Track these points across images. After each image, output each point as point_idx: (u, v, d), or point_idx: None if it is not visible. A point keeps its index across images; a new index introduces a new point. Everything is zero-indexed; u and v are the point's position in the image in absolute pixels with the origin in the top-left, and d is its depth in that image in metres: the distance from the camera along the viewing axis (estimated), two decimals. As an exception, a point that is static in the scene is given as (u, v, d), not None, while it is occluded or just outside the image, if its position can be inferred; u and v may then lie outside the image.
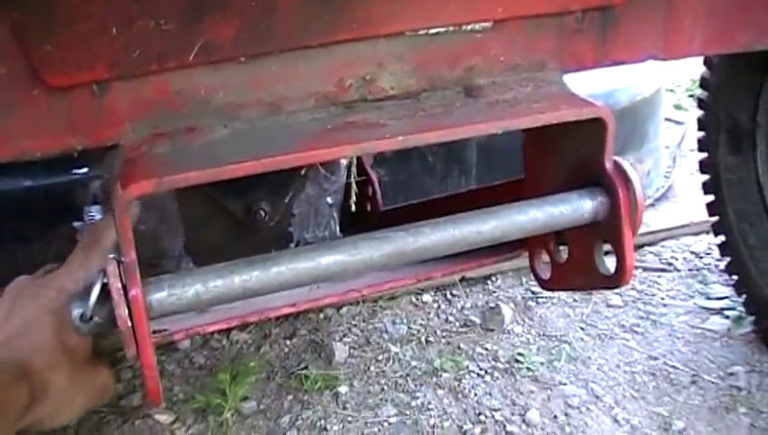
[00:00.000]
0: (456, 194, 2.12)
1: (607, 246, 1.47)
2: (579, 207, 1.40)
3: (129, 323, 1.11)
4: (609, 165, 1.40)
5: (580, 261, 1.54)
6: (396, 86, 1.33)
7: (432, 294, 2.72)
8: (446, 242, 1.31)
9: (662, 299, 2.71)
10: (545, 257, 1.65)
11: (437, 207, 1.96)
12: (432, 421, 2.16)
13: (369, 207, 2.37)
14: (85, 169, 2.32)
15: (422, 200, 2.21)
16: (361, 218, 2.38)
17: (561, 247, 1.61)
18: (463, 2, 1.30)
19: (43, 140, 1.19)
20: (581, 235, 1.49)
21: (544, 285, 1.68)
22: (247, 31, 1.19)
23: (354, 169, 2.28)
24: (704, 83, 2.41)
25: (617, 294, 2.72)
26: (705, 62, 2.37)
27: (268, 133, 1.24)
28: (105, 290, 1.14)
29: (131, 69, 1.16)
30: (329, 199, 2.32)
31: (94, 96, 1.18)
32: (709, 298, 2.70)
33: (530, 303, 2.69)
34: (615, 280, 1.46)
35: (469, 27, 1.34)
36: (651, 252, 3.01)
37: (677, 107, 4.31)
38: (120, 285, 1.11)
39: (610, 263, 1.48)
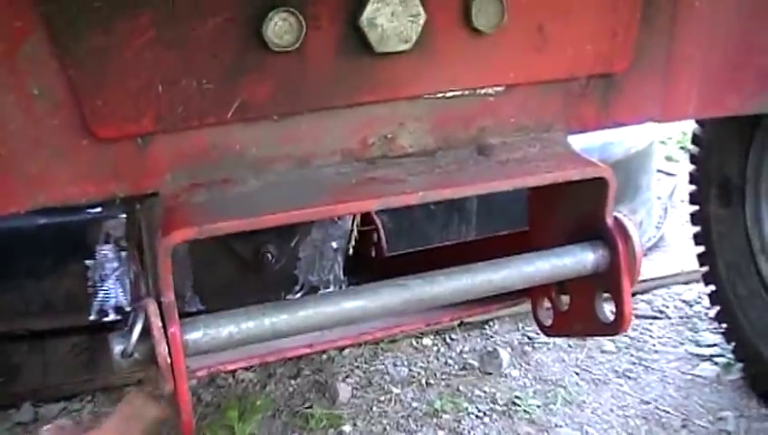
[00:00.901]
0: (460, 242, 2.21)
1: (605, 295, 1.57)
2: (581, 259, 1.50)
3: (169, 361, 1.19)
4: (610, 220, 1.50)
5: (581, 309, 1.63)
6: (414, 144, 1.43)
7: (432, 337, 2.80)
8: (459, 290, 1.40)
9: (654, 346, 2.80)
10: (547, 305, 1.73)
11: (442, 255, 2.05)
12: (433, 461, 2.24)
13: (373, 253, 2.45)
14: (98, 209, 2.39)
15: (426, 247, 2.29)
16: (366, 263, 2.45)
17: (563, 296, 1.69)
18: (477, 67, 1.41)
19: (89, 187, 1.28)
20: (582, 285, 1.58)
21: (546, 331, 1.76)
22: (281, 91, 1.29)
23: (358, 216, 2.36)
24: (696, 140, 2.51)
25: (610, 340, 2.81)
26: (698, 120, 2.48)
27: (297, 186, 1.34)
28: (145, 329, 1.22)
29: (174, 124, 1.25)
30: (334, 244, 2.39)
31: (138, 147, 1.27)
32: (699, 345, 2.79)
33: (526, 347, 2.77)
34: (614, 328, 1.56)
35: (483, 91, 1.44)
36: (643, 300, 3.10)
37: (669, 159, 4.43)
38: (160, 323, 1.20)
39: (609, 311, 1.57)
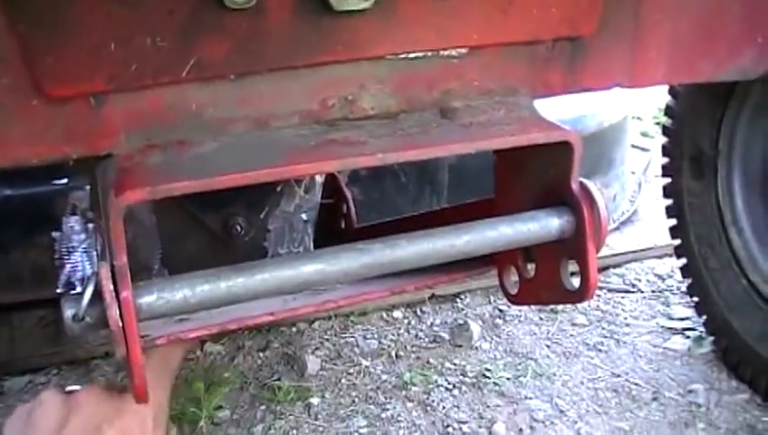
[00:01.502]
0: (428, 212, 2.18)
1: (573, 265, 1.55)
2: (546, 224, 1.48)
3: (120, 324, 1.16)
4: (575, 186, 1.48)
5: (547, 277, 1.61)
6: (376, 107, 1.40)
7: (403, 310, 2.79)
8: (420, 254, 1.38)
9: (625, 319, 2.80)
10: (514, 273, 1.72)
11: (410, 225, 2.00)
12: (401, 433, 2.22)
13: (343, 225, 2.43)
14: (65, 180, 2.36)
15: (395, 218, 2.27)
16: (335, 235, 2.43)
17: (529, 264, 1.68)
18: (441, 28, 1.38)
19: (41, 148, 1.24)
20: (548, 252, 1.56)
21: (512, 299, 1.74)
22: (238, 50, 1.26)
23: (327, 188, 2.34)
24: (668, 111, 2.50)
25: (582, 313, 2.81)
26: (670, 92, 2.47)
27: (255, 148, 1.31)
28: (97, 292, 1.19)
29: (128, 83, 1.22)
30: (303, 216, 2.37)
31: (91, 107, 1.24)
32: (671, 319, 2.79)
33: (497, 320, 2.76)
34: (579, 295, 1.54)
35: (446, 53, 1.41)
36: (616, 274, 3.10)
37: (644, 134, 4.43)
38: (111, 287, 1.17)
39: (575, 279, 1.56)
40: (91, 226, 2.48)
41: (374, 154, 1.27)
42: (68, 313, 1.21)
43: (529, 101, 1.53)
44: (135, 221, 2.17)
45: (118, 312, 1.16)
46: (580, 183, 1.49)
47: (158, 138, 1.28)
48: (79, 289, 2.36)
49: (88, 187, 2.39)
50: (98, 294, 1.18)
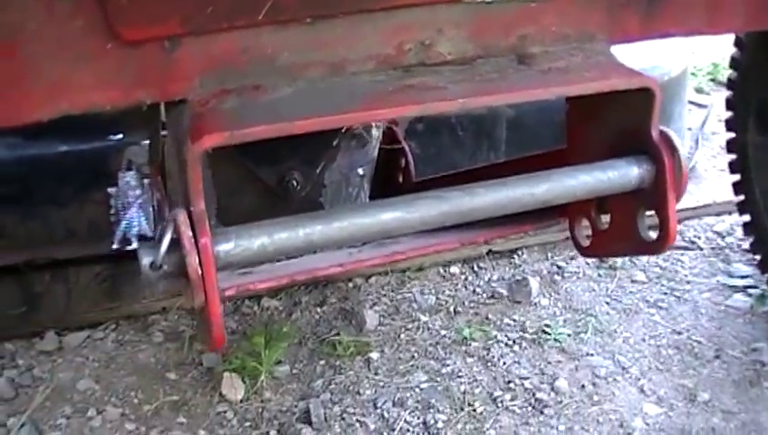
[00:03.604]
0: (492, 165, 2.15)
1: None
2: (626, 173, 1.44)
3: (200, 272, 1.15)
4: (655, 134, 1.44)
5: (622, 228, 1.57)
6: (453, 52, 1.36)
7: (459, 266, 2.76)
8: (499, 203, 1.35)
9: (686, 276, 2.75)
10: (586, 225, 1.68)
11: (472, 179, 1.99)
12: (463, 388, 2.20)
13: (401, 179, 2.40)
14: (120, 136, 2.35)
15: (457, 171, 2.23)
16: (393, 189, 2.41)
17: (602, 215, 1.64)
18: (519, -29, 1.34)
19: (114, 94, 1.22)
20: (624, 202, 1.53)
21: (583, 251, 1.72)
22: (314, -8, 1.23)
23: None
24: (733, 63, 2.44)
25: (641, 270, 2.76)
26: (736, 43, 2.40)
27: (331, 93, 1.28)
28: (174, 240, 1.17)
29: (203, 25, 1.19)
30: (360, 170, 2.34)
31: (165, 51, 1.21)
32: (732, 276, 2.74)
33: (555, 277, 2.72)
34: (657, 246, 1.51)
35: (524, -4, 1.37)
36: (674, 231, 3.05)
37: (699, 90, 4.33)
38: (190, 233, 1.15)
39: (652, 231, 1.52)
40: (146, 181, 2.47)
41: (455, 99, 1.24)
42: (145, 261, 1.19)
43: (606, 47, 1.49)
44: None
45: (197, 259, 1.14)
46: (660, 131, 1.45)
47: (232, 82, 1.26)
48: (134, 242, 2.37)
49: (145, 141, 2.39)
50: (176, 242, 1.17)
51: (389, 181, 2.42)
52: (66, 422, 2.13)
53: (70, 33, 1.16)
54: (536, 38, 1.42)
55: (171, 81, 1.23)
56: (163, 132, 2.03)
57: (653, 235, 1.52)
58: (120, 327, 2.52)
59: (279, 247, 1.22)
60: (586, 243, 1.69)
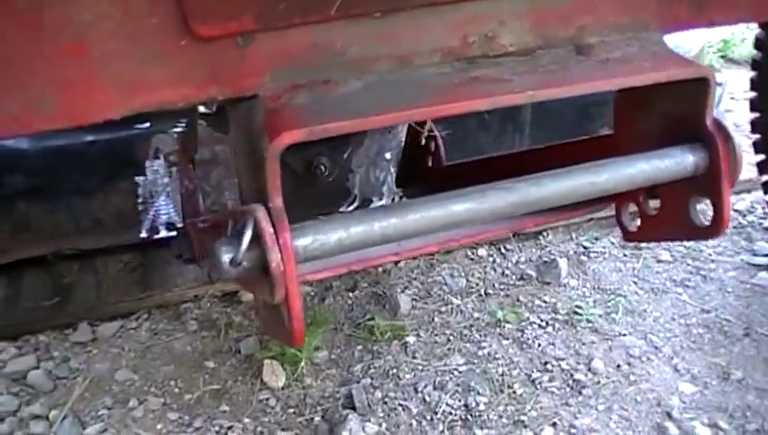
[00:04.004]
0: (528, 150, 2.17)
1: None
2: (681, 160, 1.46)
3: (282, 268, 1.16)
4: (709, 122, 1.46)
5: (673, 213, 1.59)
6: (514, 43, 1.37)
7: (487, 248, 2.79)
8: (564, 192, 1.37)
9: (710, 255, 2.78)
10: (633, 210, 1.70)
11: (502, 164, 2.01)
12: (500, 370, 2.23)
13: (431, 163, 2.41)
14: (147, 124, 2.35)
15: (488, 156, 2.24)
16: (422, 173, 2.41)
17: (651, 201, 1.66)
18: (577, -37, 1.35)
19: (187, 90, 1.23)
20: (676, 188, 1.54)
21: (629, 236, 1.73)
22: (383, -13, 1.24)
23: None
24: (758, 44, 2.45)
25: (665, 249, 2.79)
26: (761, 24, 2.41)
27: (400, 86, 1.29)
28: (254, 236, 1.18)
29: (276, 21, 1.20)
30: (387, 155, 2.35)
31: (238, 47, 1.22)
32: (756, 255, 2.77)
33: (582, 257, 2.75)
34: (711, 231, 1.52)
35: (582, -13, 1.39)
36: (695, 210, 3.07)
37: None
38: (272, 229, 1.16)
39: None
40: (174, 169, 2.48)
41: (524, 92, 1.26)
42: (225, 257, 1.20)
43: (659, 36, 1.50)
44: (221, 162, 2.17)
45: (279, 255, 1.16)
46: (714, 119, 1.46)
47: (302, 77, 1.27)
48: (170, 238, 2.38)
49: (172, 129, 2.40)
50: (256, 238, 1.18)
51: (418, 166, 2.43)
52: (108, 413, 2.14)
53: (144, 32, 1.16)
54: (594, 28, 1.43)
55: (243, 76, 1.24)
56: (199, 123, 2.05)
57: (705, 220, 1.54)
58: (152, 316, 2.54)
59: (356, 241, 1.24)
60: (633, 228, 1.71)
